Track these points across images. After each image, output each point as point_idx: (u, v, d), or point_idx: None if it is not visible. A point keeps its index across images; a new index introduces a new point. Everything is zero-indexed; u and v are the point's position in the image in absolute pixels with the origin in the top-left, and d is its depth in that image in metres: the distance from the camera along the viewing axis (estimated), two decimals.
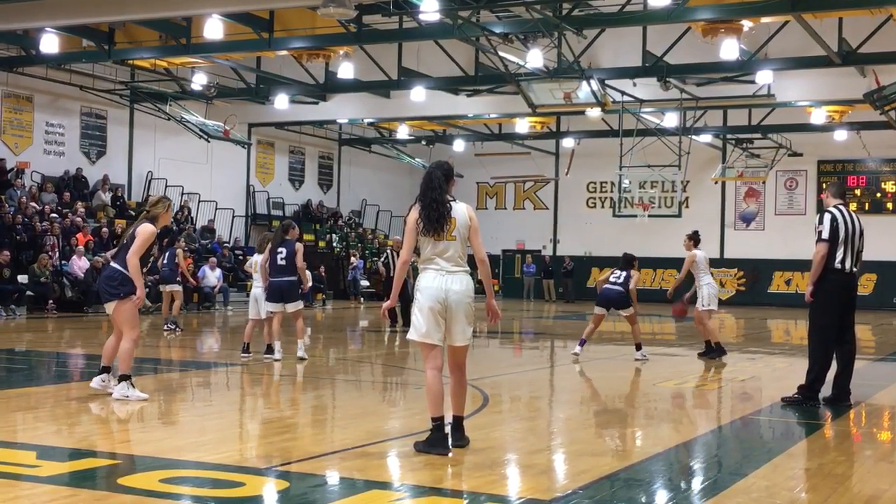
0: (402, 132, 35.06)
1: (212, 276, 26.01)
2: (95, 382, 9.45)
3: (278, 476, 6.20)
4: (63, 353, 14.66)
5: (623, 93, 26.88)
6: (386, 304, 7.23)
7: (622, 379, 12.60)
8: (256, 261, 13.44)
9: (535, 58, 22.80)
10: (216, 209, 32.00)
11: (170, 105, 28.87)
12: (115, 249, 9.41)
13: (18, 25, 21.81)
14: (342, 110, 32.09)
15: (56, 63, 26.03)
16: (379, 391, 10.80)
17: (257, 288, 13.31)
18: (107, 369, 9.47)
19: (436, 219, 6.70)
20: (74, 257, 23.42)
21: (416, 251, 6.97)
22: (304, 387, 11.30)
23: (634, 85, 26.82)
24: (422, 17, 21.46)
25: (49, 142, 28.22)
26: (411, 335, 6.81)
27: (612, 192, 37.16)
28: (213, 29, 21.32)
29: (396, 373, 12.89)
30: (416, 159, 37.58)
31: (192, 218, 30.99)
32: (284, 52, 24.46)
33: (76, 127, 28.99)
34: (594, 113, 28.23)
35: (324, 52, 23.71)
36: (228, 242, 31.62)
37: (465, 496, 5.83)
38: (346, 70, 25.80)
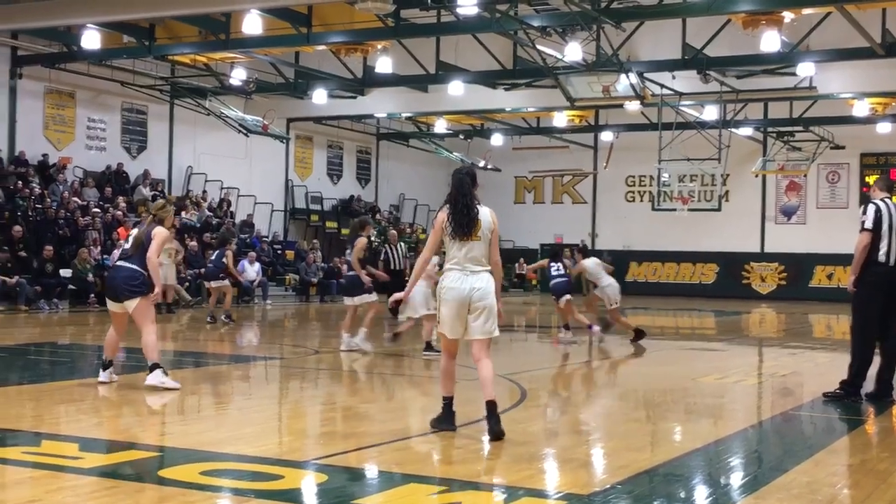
0: (440, 126, 35.03)
1: (251, 270, 26.16)
2: (104, 376, 9.69)
3: (317, 469, 6.23)
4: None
5: (662, 86, 26.69)
6: (397, 295, 8.20)
7: (662, 374, 12.53)
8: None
9: (573, 51, 22.68)
10: (255, 204, 32.18)
11: (209, 100, 29.06)
12: (127, 252, 9.64)
13: (60, 22, 22.04)
14: (380, 105, 32.12)
15: (97, 59, 26.27)
16: (416, 384, 10.81)
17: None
18: (111, 363, 9.80)
19: (465, 222, 7.12)
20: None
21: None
22: (343, 380, 11.34)
23: (674, 78, 26.61)
24: (460, 10, 21.42)
25: (91, 137, 28.52)
26: (441, 329, 7.30)
27: (651, 185, 36.96)
28: (252, 24, 21.42)
29: (435, 366, 12.90)
30: (454, 153, 37.55)
31: (231, 212, 31.19)
32: (323, 47, 24.51)
33: (117, 122, 29.27)
34: (633, 106, 28.03)
35: (362, 47, 23.74)
36: (268, 237, 31.78)
37: (503, 490, 5.83)
38: (384, 64, 25.82)
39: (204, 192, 31.07)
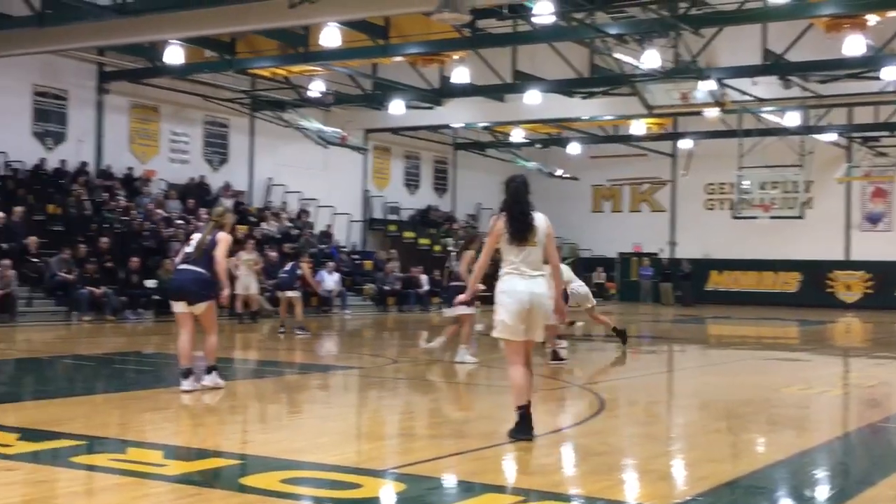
0: (517, 135, 35.00)
1: (330, 280, 26.40)
2: (186, 385, 9.78)
3: (395, 478, 6.25)
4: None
5: (742, 92, 26.30)
6: (462, 298, 9.05)
7: (743, 384, 12.32)
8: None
9: (651, 58, 22.50)
10: (334, 214, 32.49)
11: (289, 112, 29.46)
12: (191, 256, 9.83)
13: (145, 38, 22.53)
14: (457, 115, 32.20)
15: (180, 74, 26.81)
16: (495, 394, 10.79)
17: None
18: (190, 370, 9.86)
19: (522, 228, 7.33)
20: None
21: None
22: (421, 389, 11.38)
23: (754, 84, 26.21)
24: (536, 20, 21.40)
25: (174, 150, 29.11)
26: (497, 333, 7.37)
27: (731, 193, 36.42)
28: (331, 37, 21.65)
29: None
30: (531, 162, 37.47)
31: (310, 223, 31.54)
32: (400, 58, 24.69)
33: (199, 136, 29.83)
34: (712, 113, 27.69)
35: (439, 58, 23.85)
36: (346, 247, 32.05)
37: (581, 501, 5.79)
38: (460, 74, 25.90)
39: (283, 203, 31.48)
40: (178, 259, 10.26)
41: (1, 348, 15.13)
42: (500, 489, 6.00)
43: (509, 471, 6.83)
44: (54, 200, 24.33)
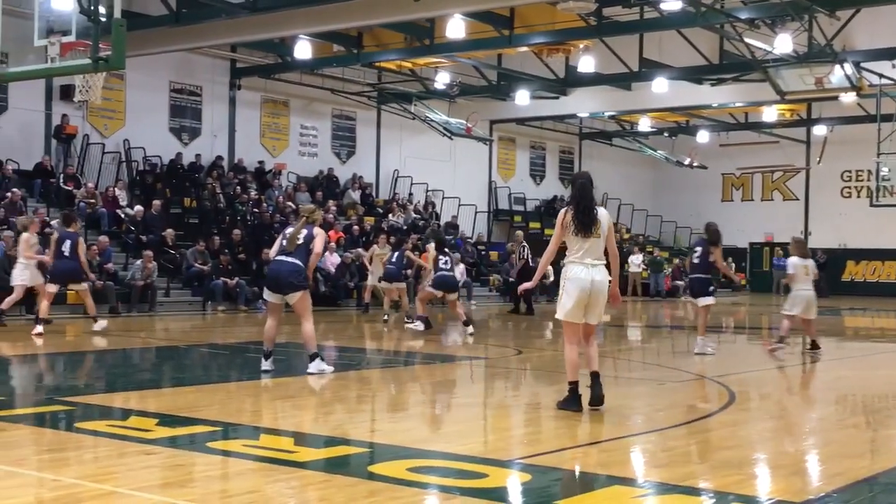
0: (644, 124, 34.53)
1: (455, 271, 26.47)
2: (266, 365, 10.47)
3: (521, 469, 6.25)
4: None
5: (881, 75, 25.36)
6: (526, 285, 9.79)
7: (882, 378, 11.92)
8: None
9: (783, 43, 21.88)
10: (459, 205, 32.64)
11: (414, 104, 29.72)
12: (287, 248, 10.29)
13: (275, 34, 23.04)
14: (583, 104, 31.96)
15: (309, 68, 27.34)
16: (622, 386, 10.69)
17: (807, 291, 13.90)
18: (271, 353, 10.55)
19: (587, 221, 8.07)
20: (326, 254, 24.48)
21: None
22: (547, 380, 11.35)
23: (894, 66, 25.23)
24: (663, 6, 21.07)
25: (303, 144, 29.70)
26: (560, 315, 8.16)
27: (869, 180, 35.17)
28: (456, 28, 21.75)
29: (638, 368, 12.74)
30: (658, 151, 36.93)
31: (436, 214, 31.76)
32: (525, 49, 24.62)
33: (328, 129, 30.36)
34: (849, 98, 26.77)
35: (564, 47, 23.70)
36: (471, 238, 32.17)
37: (711, 495, 5.68)
38: (586, 64, 25.68)
39: (410, 194, 31.78)
40: (273, 251, 10.65)
41: (141, 337, 15.71)
42: (626, 481, 5.95)
43: (636, 463, 6.76)
44: (189, 194, 25.11)
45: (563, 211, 8.29)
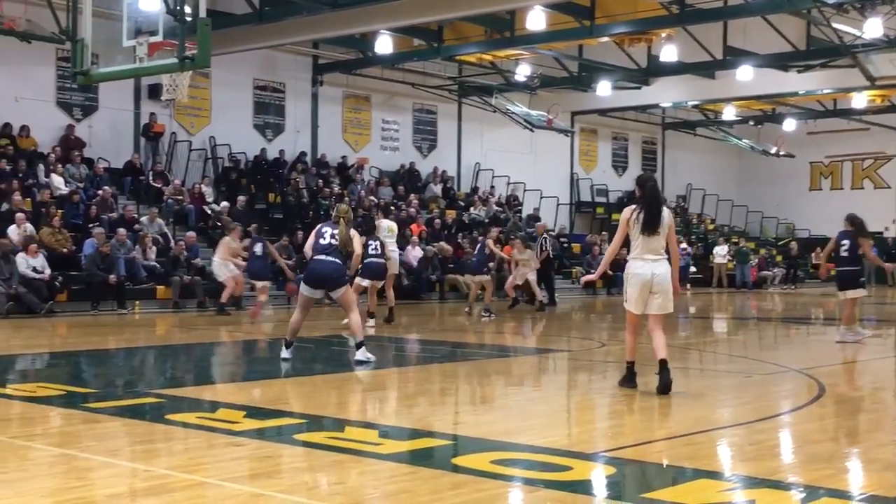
0: (729, 113, 33.99)
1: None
2: (286, 353, 10.94)
3: (605, 462, 6.22)
4: (399, 338, 15.48)
5: None
6: (589, 277, 10.46)
7: None
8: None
9: (873, 27, 21.34)
10: (541, 198, 32.53)
11: (495, 97, 29.69)
12: (330, 247, 10.72)
13: (357, 30, 23.23)
14: (665, 94, 31.58)
15: (390, 63, 27.49)
16: (708, 378, 10.57)
17: None
18: (293, 343, 11.03)
19: (653, 220, 8.64)
20: (409, 247, 24.61)
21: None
22: None
23: None
24: None
25: (385, 138, 29.88)
26: (626, 305, 8.82)
27: None
28: (536, 20, 21.67)
29: (723, 360, 12.57)
30: (744, 141, 36.33)
31: (519, 206, 31.69)
32: (606, 39, 24.42)
33: (409, 123, 30.51)
34: None
35: (646, 36, 23.46)
36: (553, 230, 32.00)
37: (800, 489, 5.58)
38: (668, 53, 25.37)
39: (491, 187, 31.77)
40: (311, 250, 10.91)
41: (229, 331, 15.98)
42: (713, 475, 5.87)
43: (723, 456, 6.67)
44: (273, 189, 25.45)
45: (628, 209, 8.80)
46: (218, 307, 18.73)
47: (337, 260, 10.77)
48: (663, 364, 8.66)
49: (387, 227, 17.34)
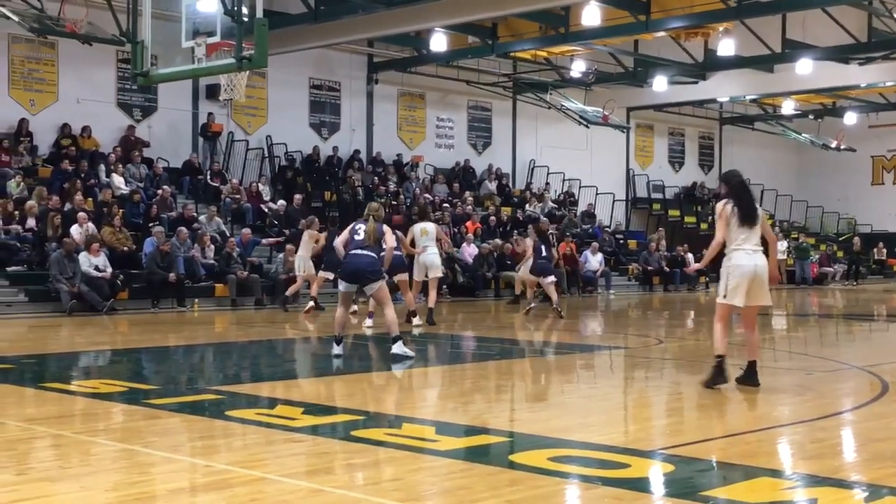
0: (788, 107, 33.53)
1: (593, 260, 26.34)
2: (338, 350, 10.98)
3: (664, 459, 6.18)
4: (456, 335, 15.50)
5: None
6: (695, 266, 11.37)
7: None
8: None
9: None
10: (596, 194, 32.36)
11: (550, 94, 29.59)
12: (364, 243, 10.83)
13: (411, 28, 23.29)
14: (723, 88, 31.25)
15: (445, 61, 27.52)
16: (767, 375, 10.42)
17: None
18: (343, 338, 11.16)
19: (750, 214, 8.75)
20: (465, 244, 24.63)
21: None
22: (688, 370, 11.16)
23: None
24: None
25: (440, 136, 29.93)
26: (721, 298, 8.78)
27: None
28: (591, 15, 21.56)
29: (783, 357, 12.41)
30: (804, 135, 35.81)
31: (574, 202, 31.55)
32: (662, 34, 24.22)
33: (463, 120, 30.52)
34: None
35: (703, 30, 23.21)
36: (609, 227, 31.85)
37: (863, 488, 5.50)
38: (726, 47, 25.10)
39: (546, 183, 31.67)
40: (342, 245, 11.12)
41: (286, 328, 16.12)
42: (773, 473, 5.80)
43: (783, 454, 6.60)
44: (329, 187, 25.60)
45: (721, 205, 8.86)
46: (281, 300, 19.21)
47: (371, 254, 10.85)
48: (752, 365, 8.93)
49: (420, 229, 16.20)
